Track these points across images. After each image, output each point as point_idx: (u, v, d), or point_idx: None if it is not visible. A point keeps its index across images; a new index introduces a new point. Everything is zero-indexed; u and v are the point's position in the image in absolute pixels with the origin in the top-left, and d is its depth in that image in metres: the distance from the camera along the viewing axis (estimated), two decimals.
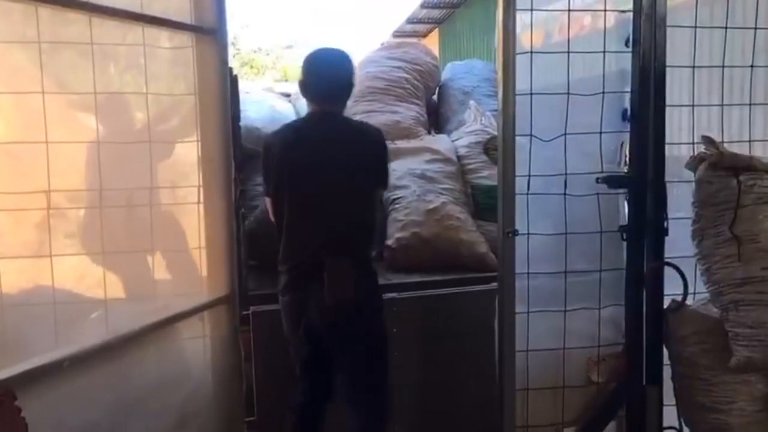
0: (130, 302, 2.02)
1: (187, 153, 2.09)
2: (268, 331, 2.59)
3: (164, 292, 2.07)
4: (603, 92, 2.42)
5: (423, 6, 12.69)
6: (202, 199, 2.10)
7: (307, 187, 2.39)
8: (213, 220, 2.11)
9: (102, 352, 1.81)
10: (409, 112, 3.52)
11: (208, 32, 2.03)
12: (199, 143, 2.07)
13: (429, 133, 3.62)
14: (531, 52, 2.33)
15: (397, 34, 13.71)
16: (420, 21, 13.60)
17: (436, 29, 13.86)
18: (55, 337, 1.85)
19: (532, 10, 2.31)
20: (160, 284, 2.06)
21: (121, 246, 2.00)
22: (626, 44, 2.43)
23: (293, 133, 2.48)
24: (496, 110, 3.63)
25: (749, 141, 2.50)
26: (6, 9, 1.70)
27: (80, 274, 1.99)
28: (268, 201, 2.53)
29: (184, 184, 2.13)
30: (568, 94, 2.37)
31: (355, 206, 2.46)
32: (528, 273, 2.41)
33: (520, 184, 2.34)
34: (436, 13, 13.17)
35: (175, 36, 2.02)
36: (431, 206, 3.08)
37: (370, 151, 2.52)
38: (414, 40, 10.34)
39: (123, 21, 1.91)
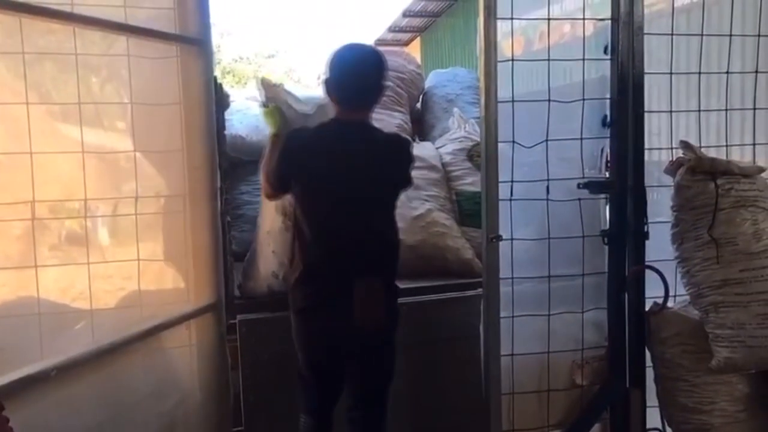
0: (116, 312, 2.02)
1: (173, 162, 2.10)
2: (254, 340, 2.59)
3: (150, 301, 2.07)
4: (583, 99, 2.46)
5: (405, 15, 12.77)
6: (188, 207, 2.10)
7: (333, 203, 2.24)
8: (199, 228, 2.12)
9: (89, 361, 1.81)
10: (393, 120, 3.54)
11: (193, 42, 2.04)
12: (185, 152, 2.08)
13: (413, 140, 3.64)
14: (512, 60, 2.36)
15: (379, 42, 13.76)
16: (402, 29, 13.68)
17: (418, 37, 13.95)
18: (41, 347, 1.84)
19: (512, 18, 2.35)
20: (146, 293, 2.05)
21: (105, 256, 1.99)
22: (605, 51, 2.48)
23: (318, 143, 2.28)
24: (479, 117, 3.69)
25: (726, 146, 2.55)
26: None
27: (65, 285, 1.98)
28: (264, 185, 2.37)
29: (170, 192, 2.13)
30: (549, 101, 2.40)
31: (383, 223, 2.32)
32: (512, 278, 2.44)
33: (503, 189, 2.37)
34: (417, 22, 13.26)
35: (159, 46, 2.02)
36: (417, 213, 3.10)
37: (398, 166, 2.39)
38: (396, 48, 10.40)
39: (107, 31, 1.92)
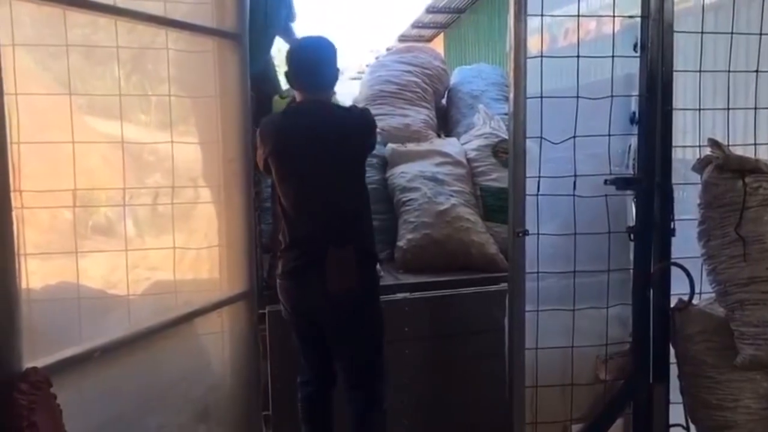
0: (152, 298, 2.07)
1: (209, 153, 2.15)
2: (282, 330, 2.64)
3: (185, 288, 2.13)
4: (611, 96, 2.47)
5: (428, 11, 12.75)
6: (222, 198, 2.15)
7: (303, 177, 2.45)
8: (233, 218, 2.17)
9: (126, 345, 1.87)
10: (419, 116, 3.57)
11: (230, 36, 2.08)
12: (221, 144, 2.13)
13: (439, 136, 3.67)
14: (541, 56, 2.38)
15: (403, 38, 13.77)
16: (425, 26, 13.66)
17: (442, 34, 13.92)
18: (80, 331, 1.90)
19: (542, 15, 2.36)
20: (181, 280, 2.11)
21: (142, 243, 2.05)
22: (634, 49, 2.48)
23: (286, 124, 2.51)
24: (504, 114, 3.71)
25: (754, 144, 2.55)
26: (32, 12, 1.76)
27: (104, 271, 2.04)
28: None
29: (206, 183, 2.18)
30: (578, 97, 2.41)
31: (352, 194, 2.53)
32: (537, 273, 2.46)
33: (529, 185, 2.39)
34: (441, 18, 13.23)
35: (197, 39, 2.07)
36: (442, 208, 3.13)
37: (358, 136, 2.56)
38: (422, 44, 10.41)
39: (147, 25, 1.96)
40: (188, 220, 2.15)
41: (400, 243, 3.09)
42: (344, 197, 2.49)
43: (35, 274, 1.76)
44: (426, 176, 3.24)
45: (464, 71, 4.28)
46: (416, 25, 13.57)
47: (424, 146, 3.42)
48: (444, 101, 4.05)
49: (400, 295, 2.72)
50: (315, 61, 2.52)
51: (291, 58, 2.53)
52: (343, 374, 2.58)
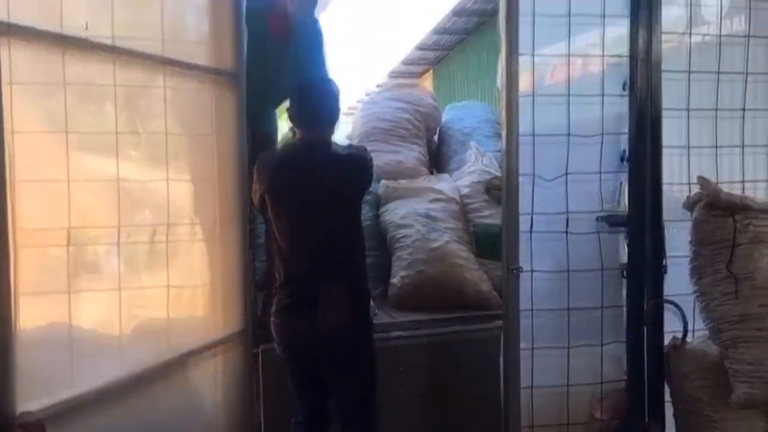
0: (145, 339, 2.05)
1: (205, 191, 2.15)
2: (276, 370, 2.61)
3: (179, 328, 2.10)
4: (602, 134, 2.51)
5: (418, 48, 12.94)
6: (217, 235, 2.15)
7: (300, 215, 2.45)
8: (228, 256, 2.16)
9: (121, 387, 1.84)
10: (412, 153, 3.60)
11: (227, 75, 2.10)
12: (216, 181, 2.13)
13: (431, 173, 3.70)
14: (533, 95, 2.42)
15: (393, 74, 13.92)
16: (415, 62, 13.83)
17: (431, 70, 14.10)
18: (72, 374, 1.87)
19: (533, 55, 2.41)
20: (174, 320, 2.09)
21: (137, 282, 2.03)
22: (623, 88, 2.53)
23: (284, 161, 2.53)
24: (495, 151, 3.74)
25: (742, 182, 2.59)
26: (32, 53, 1.77)
27: (96, 311, 2.01)
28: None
29: (201, 220, 2.18)
30: (569, 135, 2.45)
31: (348, 232, 2.54)
32: (531, 310, 2.46)
33: (522, 222, 2.41)
34: (430, 55, 13.41)
35: (195, 78, 2.09)
36: (435, 245, 3.14)
37: (356, 176, 2.58)
38: (410, 81, 10.54)
39: (145, 64, 1.98)
40: (183, 258, 2.14)
41: (394, 280, 3.09)
42: (340, 235, 2.50)
43: (27, 314, 1.74)
44: (419, 213, 3.25)
45: (455, 109, 4.34)
46: (406, 62, 13.72)
47: (416, 183, 3.45)
48: (436, 138, 4.09)
49: (394, 334, 2.70)
50: (318, 100, 2.55)
51: (295, 95, 2.57)
52: (338, 410, 2.55)
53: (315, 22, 3.20)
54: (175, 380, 2.06)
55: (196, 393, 2.16)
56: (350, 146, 2.71)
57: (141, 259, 2.08)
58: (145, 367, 1.94)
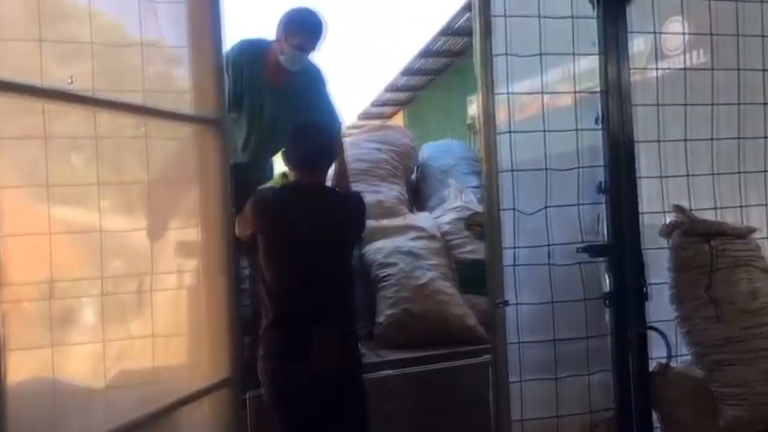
0: (130, 391, 2.01)
1: (188, 238, 2.14)
2: (265, 416, 2.58)
3: (164, 377, 2.06)
4: (578, 167, 2.57)
5: (387, 89, 13.15)
6: (203, 282, 2.13)
7: (293, 258, 2.47)
8: (214, 302, 2.13)
9: None
10: (391, 192, 3.64)
11: (210, 122, 2.11)
12: (200, 228, 2.12)
13: (411, 211, 3.73)
14: (510, 131, 2.48)
15: (363, 116, 14.09)
16: (385, 103, 14.03)
17: (401, 111, 14.30)
18: (56, 427, 1.82)
19: (509, 93, 2.48)
20: (160, 369, 2.05)
21: (121, 333, 2.00)
22: (596, 122, 2.60)
23: (283, 204, 2.55)
24: (473, 187, 3.80)
25: (715, 208, 2.65)
26: (10, 106, 1.77)
27: (80, 364, 1.98)
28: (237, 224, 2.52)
29: (184, 268, 2.16)
30: (547, 169, 2.51)
31: (340, 275, 2.57)
32: (519, 343, 2.48)
33: (506, 256, 2.44)
34: (400, 96, 13.63)
35: (176, 126, 2.10)
36: (420, 282, 3.16)
37: (351, 220, 2.64)
38: (390, 122, 10.67)
39: (125, 114, 1.98)
40: (168, 306, 2.11)
41: (380, 319, 3.09)
42: (333, 278, 2.51)
43: (12, 370, 1.70)
44: (402, 251, 3.27)
45: (432, 147, 4.41)
46: (376, 104, 13.91)
47: (398, 221, 3.48)
48: (414, 177, 4.14)
49: (383, 373, 2.69)
50: (315, 144, 2.59)
51: (292, 138, 2.61)
52: None
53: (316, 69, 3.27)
54: (162, 430, 2.02)
55: None
56: (347, 191, 2.75)
57: (125, 309, 2.05)
58: (132, 418, 1.89)
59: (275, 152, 3.18)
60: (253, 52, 3.17)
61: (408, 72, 12.61)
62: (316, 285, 2.45)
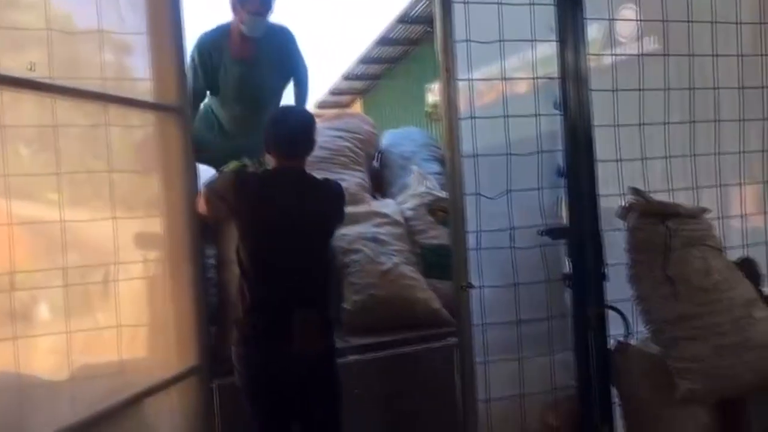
0: (97, 381, 1.99)
1: (152, 228, 2.13)
2: (233, 404, 2.57)
3: (132, 367, 2.06)
4: (539, 152, 2.62)
5: (345, 78, 13.10)
6: (168, 271, 2.12)
7: (273, 243, 2.46)
8: (181, 291, 2.13)
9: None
10: (354, 179, 3.64)
11: (171, 110, 2.10)
12: (164, 217, 2.11)
13: (374, 197, 3.74)
14: (472, 117, 2.51)
15: (321, 104, 14.02)
16: (343, 92, 13.98)
17: (359, 100, 14.27)
18: (21, 421, 1.80)
19: (470, 80, 2.51)
20: (127, 359, 2.04)
21: (87, 324, 1.98)
22: (554, 107, 2.65)
23: (261, 188, 2.54)
24: (435, 173, 3.84)
25: (670, 190, 2.74)
26: None
27: (45, 356, 1.95)
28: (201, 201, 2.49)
29: (149, 258, 2.15)
30: (509, 154, 2.55)
31: (318, 260, 2.57)
32: (483, 324, 2.53)
33: (469, 239, 2.48)
34: (358, 85, 13.60)
35: (137, 114, 2.08)
36: (385, 268, 3.17)
37: (331, 208, 2.65)
38: (353, 111, 10.66)
39: (85, 101, 1.96)
40: (134, 296, 2.10)
41: (346, 305, 3.10)
42: (312, 265, 2.52)
43: None
44: (366, 237, 3.28)
45: (394, 134, 4.42)
46: (334, 92, 13.85)
47: (361, 208, 3.48)
48: (376, 164, 4.15)
49: (351, 358, 2.71)
50: (296, 130, 2.58)
51: (272, 124, 2.59)
52: None
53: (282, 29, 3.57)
54: (130, 420, 2.01)
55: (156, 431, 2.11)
56: (326, 179, 2.76)
57: (90, 299, 2.03)
58: (99, 409, 1.88)
59: (261, 122, 3.24)
60: (215, 37, 3.39)
61: (366, 60, 12.58)
62: (295, 271, 2.45)
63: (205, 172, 2.65)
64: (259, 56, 3.46)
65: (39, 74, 1.84)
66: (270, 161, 2.65)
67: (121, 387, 2.01)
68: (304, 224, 2.49)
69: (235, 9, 3.34)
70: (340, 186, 2.75)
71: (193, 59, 3.35)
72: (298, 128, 2.60)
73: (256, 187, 2.53)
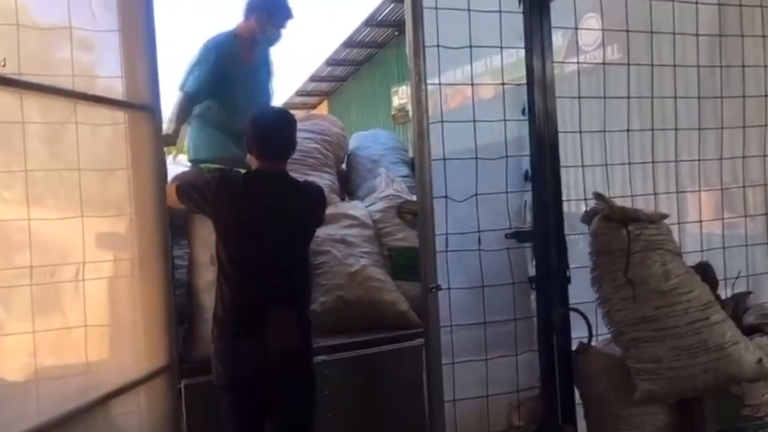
0: (63, 382, 1.96)
1: (121, 227, 2.11)
2: (200, 404, 2.57)
3: (99, 367, 2.03)
4: (506, 156, 2.67)
5: (312, 79, 13.10)
6: (137, 271, 2.10)
7: (253, 243, 2.48)
8: (149, 291, 2.11)
9: None
10: (323, 181, 3.65)
11: (142, 108, 2.08)
12: (134, 216, 2.09)
13: (343, 199, 3.77)
14: (441, 121, 2.55)
15: (288, 106, 13.98)
16: (309, 94, 13.98)
17: (325, 101, 14.28)
18: None
19: (440, 84, 2.56)
20: (94, 360, 2.01)
21: (54, 323, 1.95)
22: (522, 113, 2.71)
23: (243, 188, 2.56)
24: (403, 176, 3.88)
25: (631, 195, 2.82)
26: None
27: (8, 356, 1.92)
28: (172, 191, 2.52)
29: (117, 257, 2.12)
30: (476, 158, 2.60)
31: (298, 261, 2.61)
32: (451, 326, 2.56)
33: (437, 242, 2.51)
34: (324, 86, 13.62)
35: (107, 113, 2.06)
36: (353, 269, 3.20)
37: (312, 210, 2.69)
38: (322, 113, 10.64)
39: (55, 98, 1.93)
40: (102, 295, 2.07)
41: (314, 306, 3.11)
42: (293, 264, 2.55)
43: None
44: (335, 239, 3.31)
45: (362, 137, 4.45)
46: (300, 93, 13.85)
47: (330, 210, 3.47)
48: (344, 166, 4.17)
49: (319, 359, 2.73)
50: (278, 132, 2.60)
51: (254, 125, 2.60)
52: None
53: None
54: (98, 421, 1.99)
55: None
56: (307, 182, 2.78)
57: (57, 299, 2.00)
58: (66, 409, 1.86)
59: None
60: (227, 44, 3.57)
61: (332, 62, 12.61)
62: (274, 270, 2.48)
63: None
64: (258, 59, 3.69)
65: (8, 70, 1.81)
66: (252, 162, 2.65)
67: (88, 387, 1.99)
68: (284, 225, 2.51)
69: (258, 20, 3.54)
70: (321, 188, 2.80)
71: (207, 61, 3.48)
72: (281, 130, 2.62)
73: (239, 187, 2.54)
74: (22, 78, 1.83)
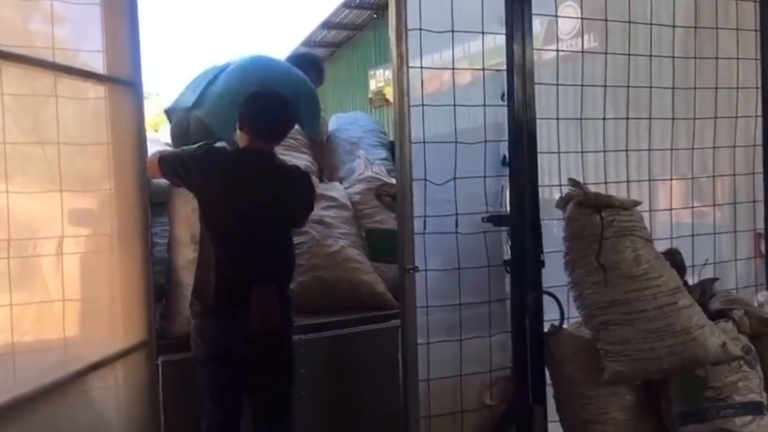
0: (40, 355, 1.96)
1: (100, 202, 2.10)
2: (178, 381, 2.58)
3: (76, 342, 2.03)
4: (485, 141, 2.70)
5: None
6: (116, 247, 2.10)
7: (236, 221, 2.50)
8: (128, 267, 2.11)
9: (13, 408, 1.75)
10: (301, 162, 3.64)
11: (123, 83, 2.07)
12: (113, 191, 2.09)
13: (322, 180, 3.78)
14: (422, 105, 2.57)
15: None
16: None
17: None
18: None
19: (422, 68, 2.57)
20: (71, 334, 2.01)
21: (28, 297, 1.94)
22: (501, 98, 2.74)
23: (229, 165, 2.57)
24: (382, 159, 3.90)
25: (605, 182, 2.88)
26: None
27: None
28: (154, 161, 2.53)
29: (96, 232, 2.12)
30: (456, 142, 2.63)
31: (281, 241, 2.64)
32: (426, 307, 2.60)
33: (416, 224, 2.55)
34: None
35: (87, 86, 2.04)
36: (331, 250, 3.23)
37: (299, 194, 2.70)
38: None
39: (34, 69, 1.91)
40: (80, 270, 2.07)
41: (292, 285, 3.13)
42: (275, 243, 2.58)
43: None
44: (314, 220, 3.31)
45: (341, 119, 4.45)
46: None
47: None
48: None
49: (296, 338, 2.75)
50: (275, 113, 2.61)
51: (252, 102, 2.60)
52: (257, 411, 2.59)
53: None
54: (75, 395, 1.99)
55: (96, 407, 2.09)
56: (296, 166, 2.79)
57: (34, 273, 1.99)
58: (43, 383, 1.86)
59: None
60: None
61: (309, 44, 12.51)
62: (256, 249, 2.50)
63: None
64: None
65: None
66: (241, 139, 2.64)
67: (66, 361, 1.99)
68: (268, 204, 2.53)
69: None
70: (309, 176, 2.82)
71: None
72: (279, 112, 2.63)
73: (225, 162, 2.55)
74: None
